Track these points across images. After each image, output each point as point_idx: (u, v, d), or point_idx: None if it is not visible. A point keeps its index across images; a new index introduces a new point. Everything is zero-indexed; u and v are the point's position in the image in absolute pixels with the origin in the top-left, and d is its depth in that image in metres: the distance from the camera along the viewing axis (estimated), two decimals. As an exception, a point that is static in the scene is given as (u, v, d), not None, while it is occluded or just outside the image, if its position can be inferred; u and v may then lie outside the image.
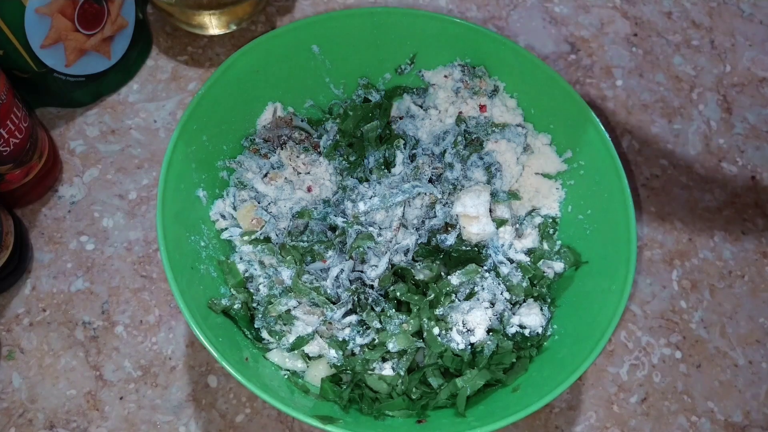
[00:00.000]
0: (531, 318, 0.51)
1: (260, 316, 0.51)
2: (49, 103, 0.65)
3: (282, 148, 0.57)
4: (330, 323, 0.50)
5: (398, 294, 0.51)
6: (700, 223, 0.65)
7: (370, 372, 0.50)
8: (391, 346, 0.49)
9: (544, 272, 0.55)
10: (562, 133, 0.58)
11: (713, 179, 0.67)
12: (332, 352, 0.50)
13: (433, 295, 0.50)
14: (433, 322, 0.50)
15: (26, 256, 0.58)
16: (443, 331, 0.50)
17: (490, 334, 0.50)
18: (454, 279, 0.51)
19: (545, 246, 0.56)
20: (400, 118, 0.60)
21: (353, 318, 0.50)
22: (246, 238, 0.54)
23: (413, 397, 0.50)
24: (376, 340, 0.50)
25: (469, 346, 0.50)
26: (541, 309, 0.52)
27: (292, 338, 0.51)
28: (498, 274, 0.53)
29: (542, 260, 0.55)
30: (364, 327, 0.50)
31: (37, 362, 0.55)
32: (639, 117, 0.69)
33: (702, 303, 0.61)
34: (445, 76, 0.60)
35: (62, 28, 0.58)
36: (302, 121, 0.60)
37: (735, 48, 0.74)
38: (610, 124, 0.69)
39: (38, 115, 0.65)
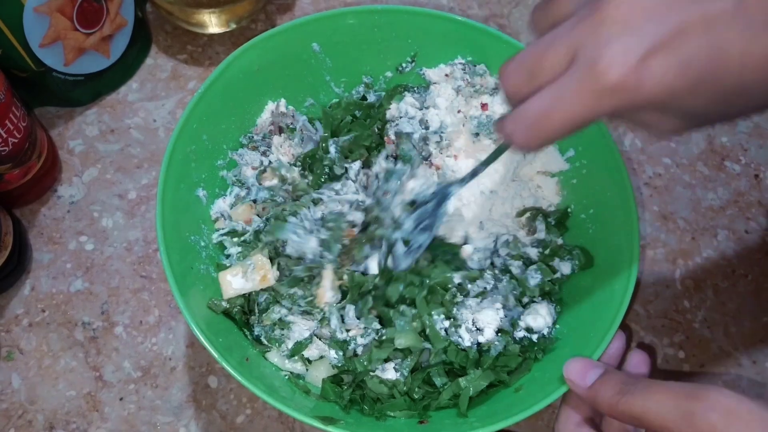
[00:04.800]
0: (538, 320, 0.50)
1: (257, 322, 0.51)
2: (48, 103, 0.65)
3: (278, 135, 0.57)
4: (328, 324, 0.50)
5: (401, 289, 0.50)
6: (704, 222, 0.64)
7: (371, 375, 0.49)
8: (399, 342, 0.49)
9: (557, 271, 0.54)
10: (564, 132, 0.58)
11: (716, 178, 0.66)
12: (332, 353, 0.50)
13: (426, 290, 0.50)
14: (435, 317, 0.49)
15: (25, 257, 0.58)
16: (452, 328, 0.49)
17: (499, 334, 0.50)
18: (457, 278, 0.51)
19: (558, 240, 0.55)
20: (400, 118, 0.60)
21: (354, 321, 0.50)
22: (236, 239, 0.54)
23: (415, 397, 0.49)
24: (384, 337, 0.49)
25: (476, 345, 0.50)
26: (549, 308, 0.51)
27: (290, 344, 0.50)
28: (513, 276, 0.52)
29: (556, 258, 0.54)
30: (365, 328, 0.50)
31: (36, 363, 0.55)
32: (641, 115, 0.69)
33: (705, 302, 0.61)
34: (447, 75, 0.60)
35: (61, 26, 0.58)
36: (305, 120, 0.60)
37: (738, 46, 0.73)
38: (612, 122, 0.68)
39: (37, 115, 0.65)
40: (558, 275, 0.54)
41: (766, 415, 0.35)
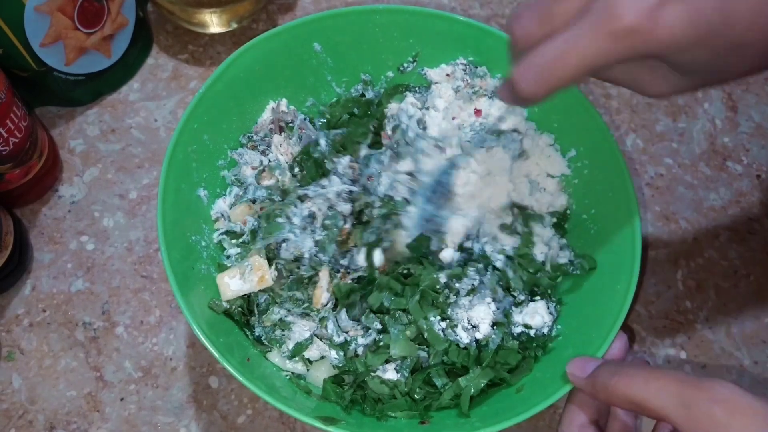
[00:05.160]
0: (536, 318, 0.50)
1: (258, 323, 0.51)
2: (48, 102, 0.65)
3: (278, 134, 0.57)
4: (326, 326, 0.50)
5: (383, 302, 0.50)
6: (705, 222, 0.64)
7: (372, 375, 0.49)
8: (394, 352, 0.49)
9: (540, 262, 0.54)
10: (566, 132, 0.58)
11: (718, 178, 0.66)
12: (333, 353, 0.50)
13: (418, 295, 0.50)
14: (432, 318, 0.49)
15: (26, 257, 0.58)
16: (449, 329, 0.49)
17: (495, 327, 0.50)
18: (442, 277, 0.51)
19: (557, 245, 0.55)
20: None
21: (350, 323, 0.50)
22: (234, 241, 0.53)
23: (416, 397, 0.49)
24: (382, 342, 0.49)
25: (474, 342, 0.49)
26: (548, 307, 0.51)
27: (291, 344, 0.50)
28: (495, 268, 0.52)
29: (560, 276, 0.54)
30: (365, 329, 0.50)
31: (37, 363, 0.55)
32: (643, 115, 0.69)
33: (707, 303, 0.61)
34: (448, 75, 0.60)
35: (62, 26, 0.57)
36: (304, 119, 0.60)
37: (740, 46, 0.73)
38: (614, 122, 0.68)
39: (38, 115, 0.65)
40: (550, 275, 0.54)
41: (766, 408, 0.35)
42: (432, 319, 0.49)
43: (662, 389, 0.37)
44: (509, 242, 0.54)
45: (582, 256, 0.54)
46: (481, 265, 0.52)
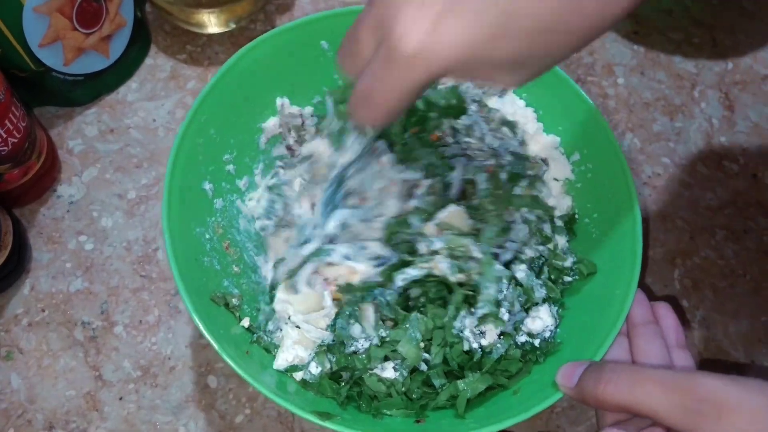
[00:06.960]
0: (536, 322, 0.50)
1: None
2: (47, 103, 0.65)
3: (296, 137, 0.57)
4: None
5: (417, 296, 0.50)
6: (702, 221, 0.64)
7: (370, 372, 0.49)
8: (401, 349, 0.49)
9: (562, 274, 0.54)
10: (570, 135, 0.58)
11: (715, 178, 0.66)
12: (313, 365, 0.50)
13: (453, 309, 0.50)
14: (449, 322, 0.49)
15: (25, 256, 0.58)
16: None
17: (501, 337, 0.50)
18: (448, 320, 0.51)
19: (561, 250, 0.55)
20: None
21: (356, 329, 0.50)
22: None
23: (413, 396, 0.49)
24: (389, 338, 0.49)
25: (479, 348, 0.50)
26: (551, 310, 0.51)
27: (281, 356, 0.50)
28: (518, 284, 0.52)
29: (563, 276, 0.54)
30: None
31: (36, 363, 0.55)
32: (640, 115, 0.69)
33: (704, 302, 0.61)
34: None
35: (60, 26, 0.58)
36: (312, 116, 0.60)
37: (737, 45, 0.73)
38: (611, 122, 0.68)
39: (36, 115, 0.65)
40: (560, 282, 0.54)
41: (753, 401, 0.36)
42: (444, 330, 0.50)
43: (648, 395, 0.38)
44: (539, 249, 0.54)
45: (581, 260, 0.54)
46: (505, 283, 0.51)
